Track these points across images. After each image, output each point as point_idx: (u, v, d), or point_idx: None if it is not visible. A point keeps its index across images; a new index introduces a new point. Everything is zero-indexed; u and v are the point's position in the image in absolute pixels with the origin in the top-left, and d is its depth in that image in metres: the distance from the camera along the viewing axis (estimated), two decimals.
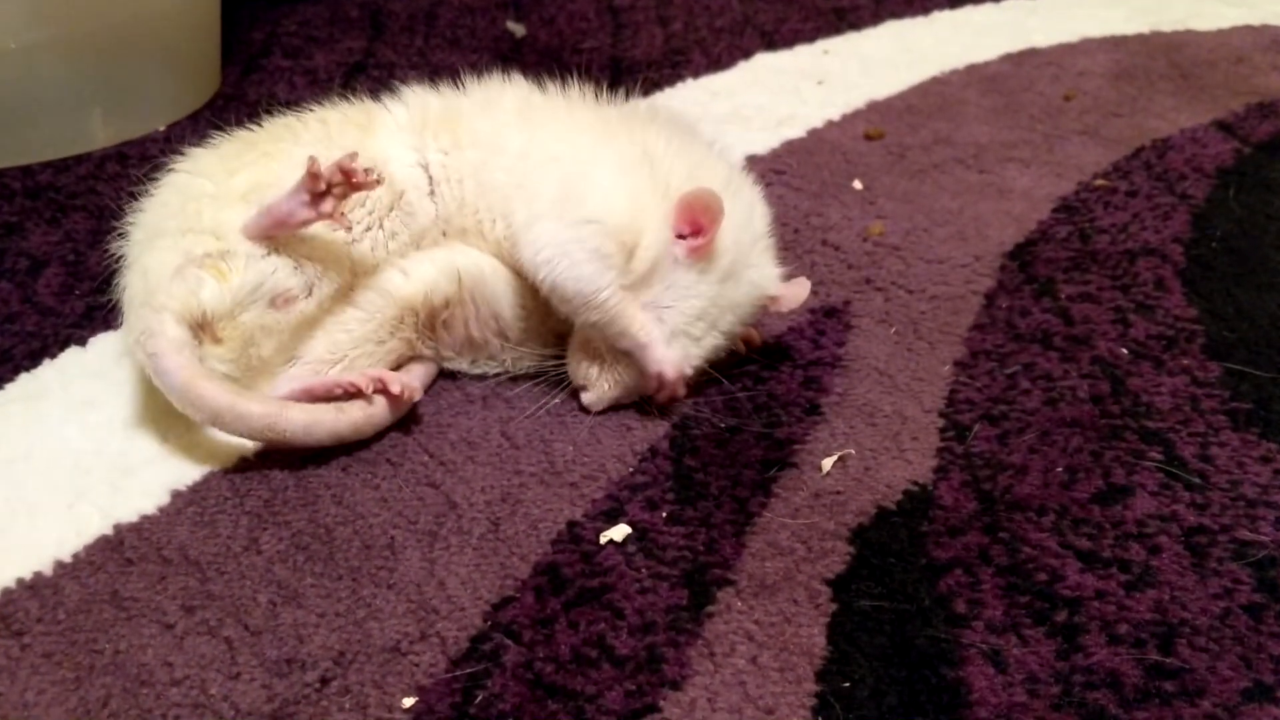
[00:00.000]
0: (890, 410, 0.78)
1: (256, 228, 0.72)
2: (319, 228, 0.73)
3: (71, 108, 1.12)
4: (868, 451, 0.74)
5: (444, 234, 0.79)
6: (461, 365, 0.81)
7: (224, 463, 0.73)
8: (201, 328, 0.71)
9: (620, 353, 0.75)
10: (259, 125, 0.81)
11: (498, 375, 0.81)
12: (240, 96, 1.26)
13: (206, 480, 0.71)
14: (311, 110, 0.82)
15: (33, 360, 0.82)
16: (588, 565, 0.65)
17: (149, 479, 0.71)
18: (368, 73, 1.32)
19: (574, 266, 0.71)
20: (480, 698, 0.57)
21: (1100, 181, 1.09)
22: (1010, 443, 0.75)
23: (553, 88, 0.84)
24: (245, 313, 0.72)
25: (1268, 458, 0.73)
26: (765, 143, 1.16)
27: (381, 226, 0.77)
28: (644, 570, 0.65)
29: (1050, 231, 1.00)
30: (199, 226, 0.73)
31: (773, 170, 1.10)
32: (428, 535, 0.67)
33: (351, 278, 0.76)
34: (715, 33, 1.46)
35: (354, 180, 0.70)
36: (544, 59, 1.37)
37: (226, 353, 0.72)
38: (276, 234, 0.72)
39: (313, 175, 0.69)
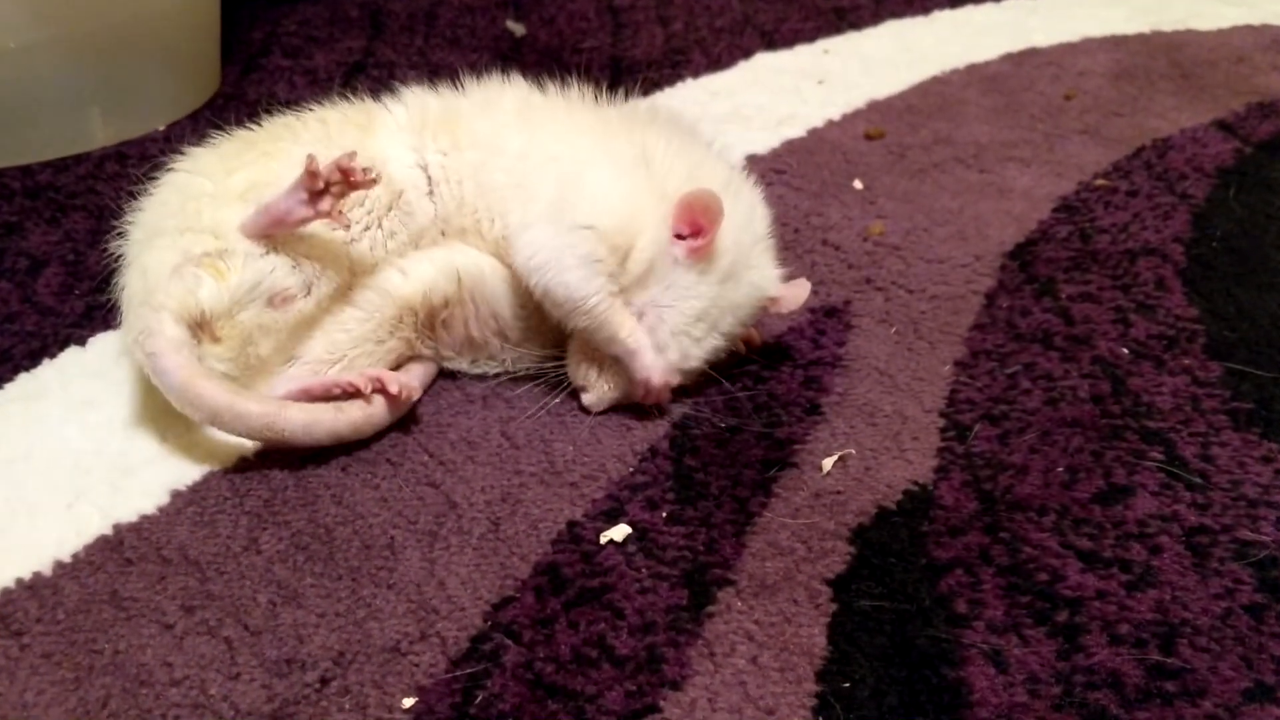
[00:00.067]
0: (891, 410, 0.78)
1: (255, 226, 0.72)
2: (317, 226, 0.73)
3: (71, 107, 1.12)
4: (868, 451, 0.74)
5: (443, 234, 0.79)
6: (461, 365, 0.81)
7: (224, 462, 0.73)
8: (200, 327, 0.71)
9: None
10: (258, 125, 0.81)
11: (498, 375, 0.80)
12: (240, 96, 1.26)
13: (206, 480, 0.71)
14: (311, 110, 0.82)
15: (32, 360, 0.82)
16: (588, 565, 0.65)
17: (148, 479, 0.71)
18: (367, 72, 1.32)
19: (564, 272, 0.72)
20: (480, 698, 0.57)
21: (1101, 181, 1.09)
22: (1011, 443, 0.74)
23: (552, 88, 0.84)
24: (243, 312, 0.72)
25: (1269, 458, 0.73)
26: (765, 142, 1.16)
27: (380, 226, 0.77)
28: (644, 570, 0.65)
29: (1051, 231, 1.00)
30: (198, 225, 0.73)
31: (773, 170, 1.10)
32: (428, 535, 0.67)
33: (350, 277, 0.76)
34: (715, 32, 1.46)
35: (352, 179, 0.70)
36: (544, 59, 1.37)
37: (225, 352, 0.72)
38: (275, 232, 0.72)
39: (311, 174, 0.69)
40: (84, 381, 0.80)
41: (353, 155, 0.69)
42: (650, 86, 1.29)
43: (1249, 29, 1.45)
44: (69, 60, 1.09)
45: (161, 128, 1.18)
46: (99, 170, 1.09)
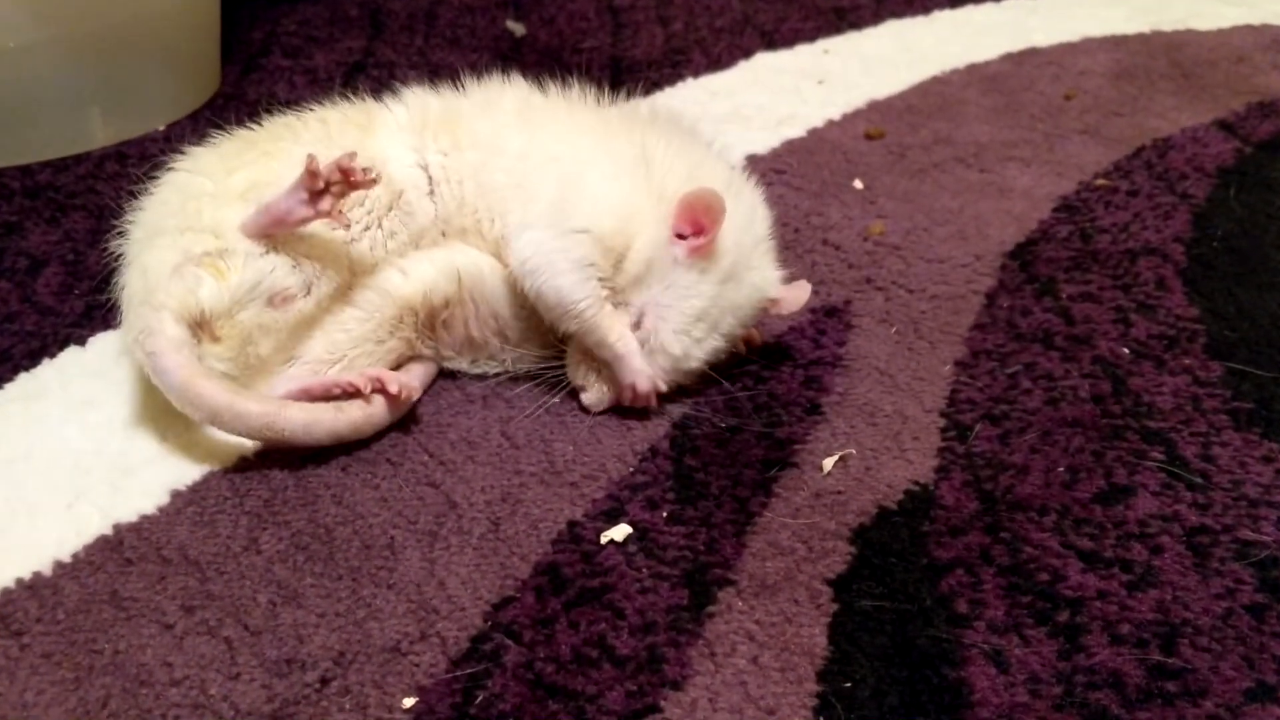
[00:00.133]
0: (891, 410, 0.78)
1: (255, 226, 0.72)
2: (317, 226, 0.73)
3: (71, 107, 1.12)
4: (869, 451, 0.74)
5: (443, 234, 0.79)
6: (461, 365, 0.81)
7: (224, 462, 0.73)
8: (200, 326, 0.71)
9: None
10: (259, 124, 0.81)
11: (498, 375, 0.80)
12: (240, 96, 1.26)
13: (206, 480, 0.71)
14: (311, 110, 0.82)
15: (32, 360, 0.82)
16: (588, 565, 0.65)
17: (148, 479, 0.71)
18: (367, 72, 1.32)
19: (555, 276, 0.72)
20: (481, 698, 0.57)
21: (1101, 181, 1.08)
22: (1012, 442, 0.74)
23: (553, 88, 0.84)
24: (243, 311, 0.72)
25: (1269, 457, 0.73)
26: (765, 142, 1.16)
27: (380, 226, 0.77)
28: (645, 570, 0.65)
29: (1051, 231, 1.00)
30: (198, 225, 0.73)
31: (773, 170, 1.10)
32: (428, 535, 0.67)
33: (350, 277, 0.76)
34: (715, 32, 1.46)
35: (352, 179, 0.70)
36: (544, 59, 1.37)
37: (225, 351, 0.72)
38: (275, 232, 0.72)
39: (311, 173, 0.69)
40: (84, 381, 0.80)
41: (353, 155, 0.69)
42: (650, 86, 1.29)
43: (1249, 29, 1.45)
44: (69, 60, 1.09)
45: (161, 127, 1.18)
46: (99, 170, 1.09)
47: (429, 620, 0.61)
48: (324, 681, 0.58)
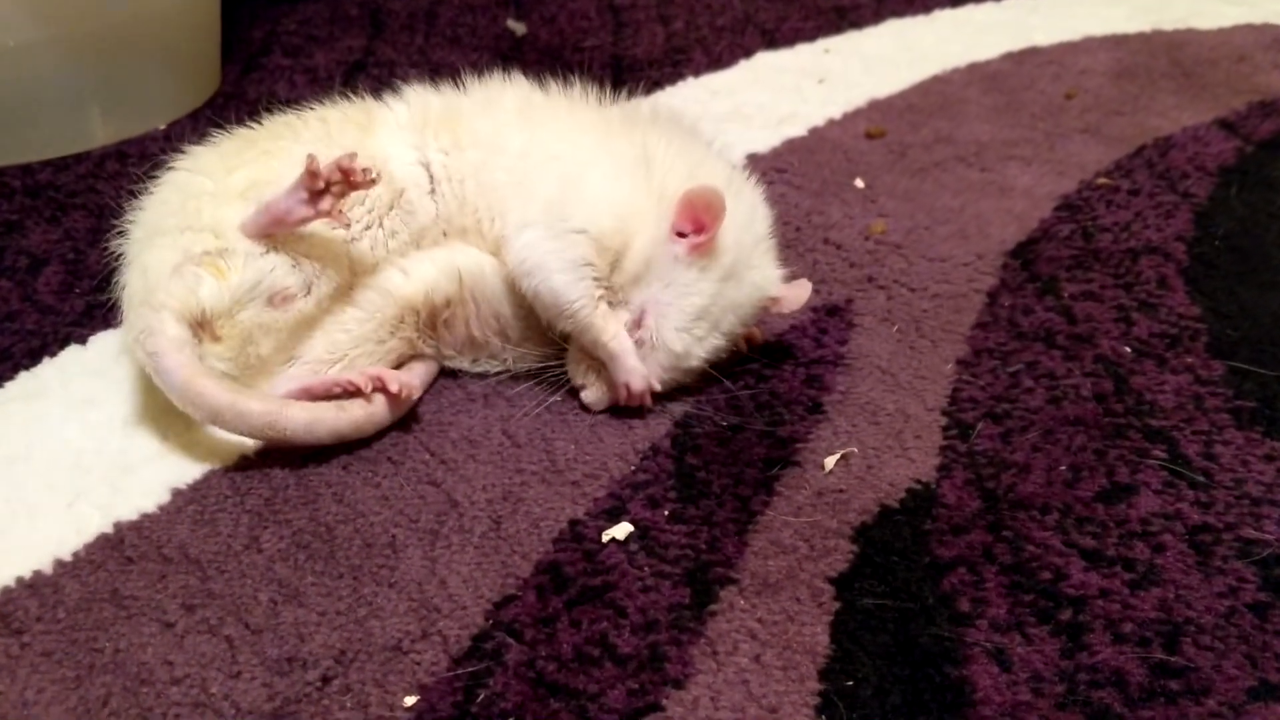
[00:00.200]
0: (893, 408, 0.77)
1: (255, 225, 0.72)
2: (318, 226, 0.73)
3: (71, 106, 1.11)
4: (870, 450, 0.74)
5: (444, 233, 0.79)
6: (463, 364, 0.81)
7: (224, 461, 0.72)
8: (201, 326, 0.71)
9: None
10: (259, 123, 0.81)
11: (499, 374, 0.80)
12: (240, 95, 1.26)
13: (207, 479, 0.71)
14: (312, 109, 0.82)
15: (32, 359, 0.82)
16: (590, 564, 0.65)
17: (149, 477, 0.71)
18: (368, 71, 1.32)
19: (551, 276, 0.72)
20: (482, 696, 0.57)
21: (1102, 180, 1.08)
22: (1013, 441, 0.74)
23: (553, 87, 0.84)
24: (244, 311, 0.72)
25: (1271, 456, 0.73)
26: (766, 141, 1.16)
27: (381, 225, 0.77)
28: (646, 569, 0.64)
29: (1052, 230, 1.00)
30: (198, 224, 0.73)
31: (774, 169, 1.09)
32: (429, 534, 0.67)
33: (351, 277, 0.76)
34: (716, 31, 1.46)
35: (352, 179, 0.69)
36: (545, 58, 1.37)
37: (225, 351, 0.72)
38: (275, 232, 0.72)
39: (311, 173, 0.69)
40: (84, 380, 0.80)
41: (353, 155, 0.69)
42: (651, 85, 1.29)
43: (1250, 28, 1.45)
44: (69, 59, 1.09)
45: (162, 126, 1.18)
46: (99, 169, 1.09)
47: (430, 619, 0.61)
48: (325, 680, 0.58)
